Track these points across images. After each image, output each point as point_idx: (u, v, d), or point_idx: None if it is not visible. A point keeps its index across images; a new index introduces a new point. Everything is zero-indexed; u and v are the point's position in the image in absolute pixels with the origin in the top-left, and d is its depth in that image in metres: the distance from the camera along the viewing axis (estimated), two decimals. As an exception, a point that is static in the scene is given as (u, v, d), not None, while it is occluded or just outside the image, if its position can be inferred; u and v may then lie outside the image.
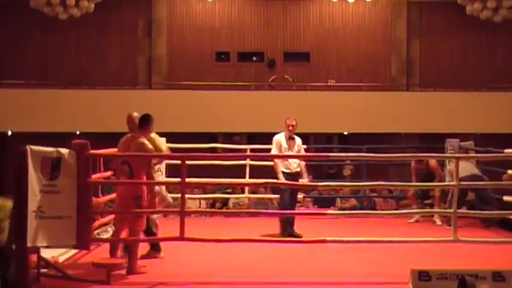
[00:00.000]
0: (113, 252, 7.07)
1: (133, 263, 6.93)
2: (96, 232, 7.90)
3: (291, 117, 9.08)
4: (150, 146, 7.09)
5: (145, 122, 7.22)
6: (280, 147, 8.93)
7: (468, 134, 14.03)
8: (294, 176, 8.91)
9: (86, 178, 6.67)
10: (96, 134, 13.08)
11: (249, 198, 11.93)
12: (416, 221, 10.70)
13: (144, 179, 7.00)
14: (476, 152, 11.00)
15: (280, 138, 9.04)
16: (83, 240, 6.67)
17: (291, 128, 9.00)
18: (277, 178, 8.75)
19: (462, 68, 18.49)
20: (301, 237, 8.57)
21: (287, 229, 8.84)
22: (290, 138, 9.03)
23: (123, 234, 7.12)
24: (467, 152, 11.12)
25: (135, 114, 7.44)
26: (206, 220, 10.78)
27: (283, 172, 8.85)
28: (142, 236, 7.30)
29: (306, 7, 18.55)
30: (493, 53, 18.57)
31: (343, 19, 18.52)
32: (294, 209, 9.24)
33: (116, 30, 18.39)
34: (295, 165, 8.96)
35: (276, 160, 8.94)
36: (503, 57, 18.57)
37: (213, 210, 11.89)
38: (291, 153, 8.89)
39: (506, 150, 9.96)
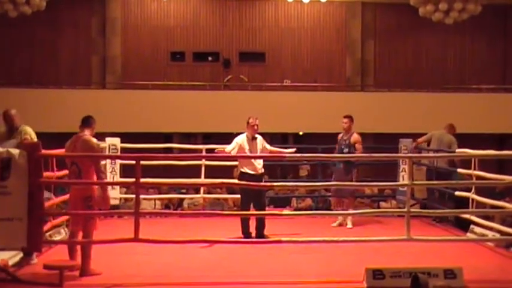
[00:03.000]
0: (71, 255, 6.95)
1: (86, 265, 6.82)
2: (48, 234, 7.75)
3: (253, 116, 8.97)
4: (95, 141, 6.98)
5: (87, 121, 7.11)
6: (241, 149, 8.78)
7: (421, 134, 14.23)
8: (259, 177, 8.80)
9: (37, 179, 6.54)
10: (48, 134, 12.85)
11: (204, 199, 11.87)
12: (340, 225, 10.25)
13: (94, 178, 6.88)
14: (429, 151, 11.16)
15: (242, 139, 8.89)
16: (34, 242, 6.54)
17: (256, 127, 8.91)
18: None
19: (415, 68, 18.79)
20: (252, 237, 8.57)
21: (244, 229, 8.80)
22: (253, 139, 8.92)
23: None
24: (420, 152, 11.28)
25: (13, 111, 7.28)
26: (161, 221, 10.68)
27: (248, 174, 8.72)
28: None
29: (262, 7, 18.59)
30: (445, 55, 18.93)
31: (299, 19, 18.62)
32: (263, 210, 9.03)
33: (69, 29, 18.11)
34: (260, 166, 8.85)
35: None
36: (454, 58, 18.94)
37: (168, 211, 11.79)
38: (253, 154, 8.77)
39: (458, 150, 10.15)
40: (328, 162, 11.19)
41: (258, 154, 8.87)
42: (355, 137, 10.22)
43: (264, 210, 9.12)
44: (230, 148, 8.83)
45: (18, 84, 16.67)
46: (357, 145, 10.14)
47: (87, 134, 7.00)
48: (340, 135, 10.42)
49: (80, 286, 6.47)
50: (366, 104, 16.60)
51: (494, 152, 9.30)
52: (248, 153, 8.78)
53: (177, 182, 10.32)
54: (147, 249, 7.52)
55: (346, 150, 10.09)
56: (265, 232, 8.77)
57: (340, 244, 7.66)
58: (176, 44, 18.44)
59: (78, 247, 6.95)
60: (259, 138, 9.01)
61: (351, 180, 9.96)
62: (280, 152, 9.25)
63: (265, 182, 9.94)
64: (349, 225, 10.14)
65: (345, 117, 10.38)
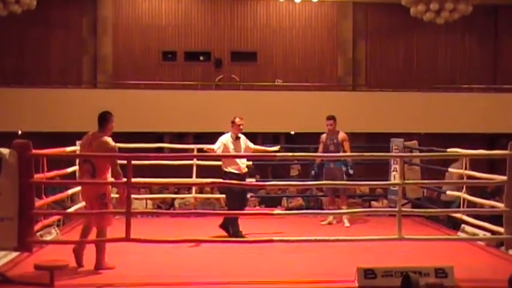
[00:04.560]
0: (79, 253, 7.04)
1: (101, 259, 6.94)
2: (38, 234, 7.71)
3: (239, 116, 9.00)
4: (113, 144, 7.06)
5: (103, 120, 7.16)
6: (226, 148, 8.81)
7: (412, 133, 14.27)
8: (243, 176, 8.84)
9: (27, 178, 6.51)
10: (39, 134, 12.81)
11: (196, 198, 11.85)
12: (329, 223, 10.22)
13: (108, 175, 6.98)
14: (420, 151, 11.19)
15: (226, 139, 8.91)
16: (25, 242, 6.51)
17: (241, 127, 8.95)
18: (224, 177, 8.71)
19: (406, 68, 18.86)
20: (244, 237, 8.55)
21: (234, 229, 8.80)
22: (236, 138, 8.95)
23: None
24: (411, 152, 11.30)
25: None
26: (153, 220, 10.66)
27: (233, 173, 8.73)
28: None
29: (253, 7, 18.60)
30: (436, 54, 18.99)
31: (290, 19, 18.64)
32: (243, 209, 9.08)
33: (60, 28, 18.07)
34: (244, 165, 8.90)
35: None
36: (445, 58, 19.01)
37: (159, 211, 11.77)
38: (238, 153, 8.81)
39: (448, 150, 10.17)
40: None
41: (243, 153, 8.92)
42: (342, 135, 10.23)
43: (244, 209, 9.15)
44: (217, 147, 8.85)
45: (9, 83, 16.60)
46: (345, 143, 10.14)
47: (103, 134, 7.06)
48: (323, 136, 10.37)
49: (71, 286, 6.45)
50: (357, 104, 16.64)
51: (485, 152, 9.30)
52: (233, 153, 8.82)
53: (168, 181, 10.30)
54: (138, 249, 7.51)
55: (334, 150, 10.07)
56: (244, 231, 8.79)
57: (331, 243, 7.67)
58: (168, 44, 18.42)
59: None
60: (243, 137, 9.06)
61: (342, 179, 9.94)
62: (264, 150, 9.28)
63: (257, 181, 9.95)
64: (346, 223, 10.15)
65: (330, 118, 10.33)
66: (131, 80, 17.39)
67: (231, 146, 8.86)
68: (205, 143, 9.93)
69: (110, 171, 7.00)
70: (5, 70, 17.57)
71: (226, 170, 8.83)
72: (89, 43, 18.10)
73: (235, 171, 8.77)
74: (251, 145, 9.15)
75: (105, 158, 6.97)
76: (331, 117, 10.34)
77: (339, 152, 10.01)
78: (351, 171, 9.98)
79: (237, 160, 8.83)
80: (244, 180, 8.79)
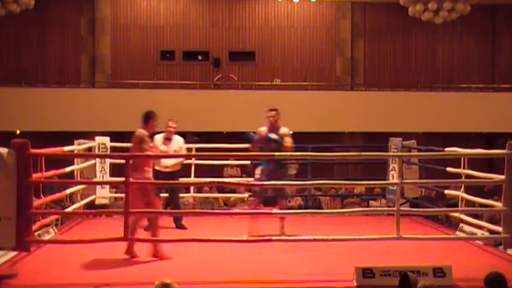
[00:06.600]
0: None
1: (157, 248, 7.37)
2: (37, 233, 7.70)
3: (173, 120, 9.67)
4: (141, 132, 7.54)
5: (146, 118, 7.82)
6: (156, 147, 9.22)
7: (410, 133, 14.29)
8: (167, 175, 9.33)
9: (26, 178, 6.50)
10: (37, 133, 12.81)
11: (194, 198, 11.85)
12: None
13: (146, 170, 7.40)
14: (418, 150, 11.19)
15: (159, 138, 9.47)
16: (23, 241, 6.50)
17: (172, 130, 9.60)
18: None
19: (405, 68, 18.87)
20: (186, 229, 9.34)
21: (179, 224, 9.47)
22: (169, 139, 9.47)
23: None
24: (409, 151, 11.30)
25: None
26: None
27: (158, 171, 9.21)
28: None
29: (251, 6, 18.59)
30: (434, 54, 19.01)
31: (288, 19, 18.64)
32: (178, 208, 9.79)
33: (58, 28, 18.06)
34: (167, 164, 9.45)
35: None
36: (443, 58, 19.02)
37: (157, 210, 11.73)
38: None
39: (447, 149, 10.18)
40: (318, 161, 11.16)
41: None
42: (284, 130, 9.23)
43: (178, 208, 9.82)
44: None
45: (7, 83, 16.59)
46: (287, 139, 9.10)
47: (140, 129, 7.55)
48: (262, 130, 9.29)
49: (68, 285, 6.43)
50: (356, 103, 16.65)
51: (484, 151, 9.32)
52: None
53: (166, 181, 10.29)
54: (136, 249, 7.50)
55: (274, 146, 8.88)
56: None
57: (330, 243, 7.67)
58: (166, 43, 18.41)
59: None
60: (177, 139, 9.64)
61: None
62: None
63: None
64: (285, 234, 8.73)
65: (272, 110, 9.38)
66: (129, 80, 17.39)
67: (159, 145, 9.33)
68: (203, 143, 9.98)
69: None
70: (3, 69, 17.55)
71: (155, 167, 9.22)
72: (87, 43, 18.09)
73: (159, 169, 9.32)
74: (183, 150, 9.74)
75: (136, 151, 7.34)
76: (275, 109, 9.38)
77: (280, 149, 8.80)
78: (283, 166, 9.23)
79: (162, 160, 9.38)
80: (170, 179, 9.32)
